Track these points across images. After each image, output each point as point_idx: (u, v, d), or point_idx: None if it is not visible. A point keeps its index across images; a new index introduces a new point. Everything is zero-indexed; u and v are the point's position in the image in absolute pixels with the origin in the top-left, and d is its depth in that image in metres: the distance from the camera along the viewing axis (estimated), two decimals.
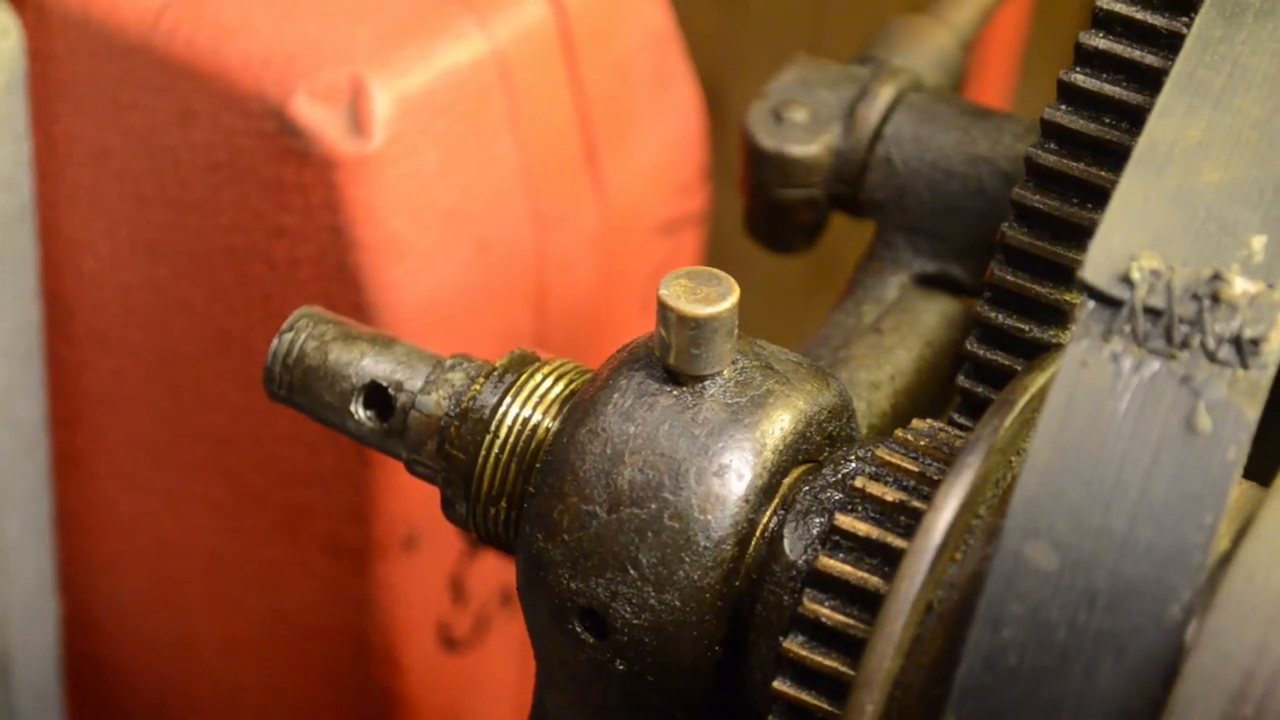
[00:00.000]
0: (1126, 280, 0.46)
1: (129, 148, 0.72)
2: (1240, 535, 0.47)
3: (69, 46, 0.71)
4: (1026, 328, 0.59)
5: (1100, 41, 0.58)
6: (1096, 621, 0.45)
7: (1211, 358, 0.45)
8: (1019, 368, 0.59)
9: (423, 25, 0.70)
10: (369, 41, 0.69)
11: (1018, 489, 0.46)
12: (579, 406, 0.55)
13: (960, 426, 0.59)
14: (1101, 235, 0.47)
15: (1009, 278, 0.59)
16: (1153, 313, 0.46)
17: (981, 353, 0.60)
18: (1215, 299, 0.45)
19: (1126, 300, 0.46)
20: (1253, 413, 0.45)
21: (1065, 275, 0.58)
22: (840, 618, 0.52)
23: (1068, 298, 0.58)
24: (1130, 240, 0.46)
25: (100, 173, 0.73)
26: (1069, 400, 0.46)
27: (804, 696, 0.52)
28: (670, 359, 0.54)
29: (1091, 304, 0.46)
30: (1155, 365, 0.45)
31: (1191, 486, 0.45)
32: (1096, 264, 0.46)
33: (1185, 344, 0.45)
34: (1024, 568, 0.45)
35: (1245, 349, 0.45)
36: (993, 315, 0.59)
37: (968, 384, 0.60)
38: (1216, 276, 0.46)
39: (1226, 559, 0.46)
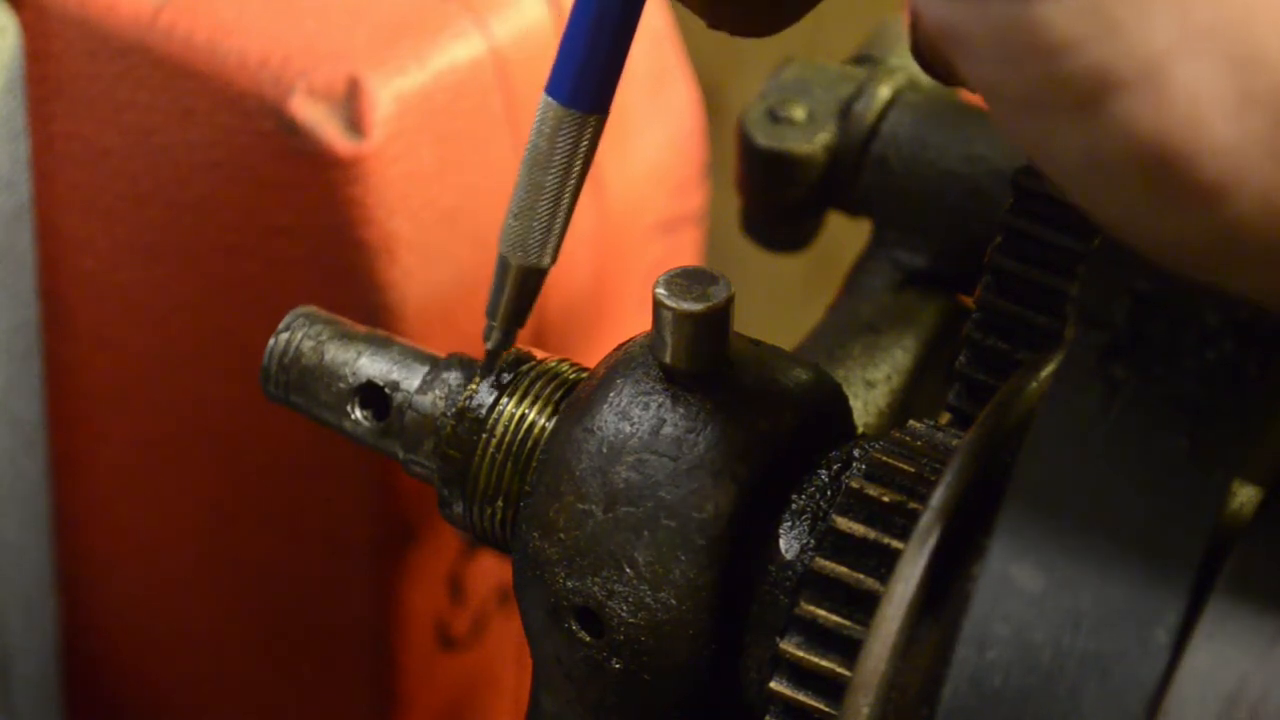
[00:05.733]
0: (1119, 302, 0.46)
1: (127, 147, 0.72)
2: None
3: (67, 45, 0.71)
4: (1016, 350, 0.58)
5: None
6: (1081, 643, 0.44)
7: (1203, 381, 0.45)
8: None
9: (420, 24, 0.70)
10: (367, 40, 0.69)
11: (1004, 509, 0.45)
12: (575, 405, 0.55)
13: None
14: (1095, 257, 0.47)
15: (997, 301, 0.58)
16: (1145, 335, 0.46)
17: (973, 374, 0.59)
18: (1207, 323, 0.45)
19: (1118, 322, 0.46)
20: (1244, 436, 0.45)
21: (1055, 298, 0.57)
22: (836, 619, 0.52)
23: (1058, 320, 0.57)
24: (1124, 263, 0.46)
25: (98, 172, 0.73)
26: (1057, 421, 0.46)
27: (801, 697, 0.52)
28: (666, 357, 0.54)
29: (1083, 325, 0.46)
30: (1146, 388, 0.45)
31: (1180, 509, 0.44)
32: (1089, 286, 0.46)
33: (1177, 367, 0.45)
34: (1009, 588, 0.45)
35: (1236, 374, 0.45)
36: (982, 338, 0.58)
37: (958, 404, 0.59)
38: (1209, 302, 0.45)
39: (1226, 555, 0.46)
